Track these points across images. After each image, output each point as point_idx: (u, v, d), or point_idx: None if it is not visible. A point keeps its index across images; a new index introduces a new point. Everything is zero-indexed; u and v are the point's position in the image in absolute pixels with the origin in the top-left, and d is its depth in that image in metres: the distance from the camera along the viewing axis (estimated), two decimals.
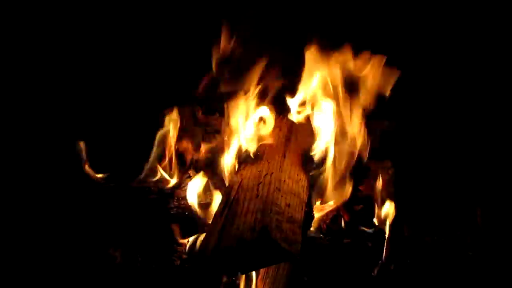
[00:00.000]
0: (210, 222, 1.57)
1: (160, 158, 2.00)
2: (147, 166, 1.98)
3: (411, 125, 2.15)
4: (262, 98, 1.87)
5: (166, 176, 1.98)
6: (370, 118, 1.84)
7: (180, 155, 2.03)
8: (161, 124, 2.04)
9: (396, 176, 1.91)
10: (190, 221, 1.78)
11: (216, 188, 1.81)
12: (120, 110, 2.31)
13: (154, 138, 2.00)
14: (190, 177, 1.95)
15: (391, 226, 1.73)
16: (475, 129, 2.17)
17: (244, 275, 1.49)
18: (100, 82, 2.36)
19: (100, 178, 1.99)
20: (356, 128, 1.79)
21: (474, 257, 1.71)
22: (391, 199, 1.78)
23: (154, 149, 1.99)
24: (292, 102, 1.89)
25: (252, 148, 1.73)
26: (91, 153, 2.02)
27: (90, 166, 2.00)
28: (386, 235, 1.71)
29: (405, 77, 1.84)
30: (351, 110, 1.80)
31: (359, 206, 1.82)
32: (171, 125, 2.02)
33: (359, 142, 1.79)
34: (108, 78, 2.36)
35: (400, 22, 2.23)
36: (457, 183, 1.99)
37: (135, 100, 2.33)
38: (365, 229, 1.77)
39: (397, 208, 1.75)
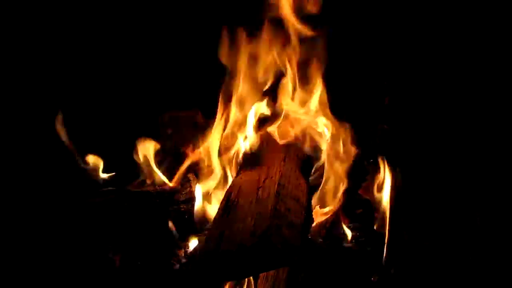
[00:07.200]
0: (209, 226, 1.57)
1: (160, 161, 2.00)
2: (146, 170, 1.98)
3: (410, 129, 2.15)
4: (262, 102, 1.88)
5: (165, 179, 1.98)
6: (368, 122, 1.85)
7: (179, 158, 2.03)
8: (160, 127, 2.04)
9: (396, 180, 1.91)
10: (189, 225, 1.78)
11: (216, 192, 1.81)
12: (120, 112, 2.32)
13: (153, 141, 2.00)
14: (189, 181, 1.95)
15: (390, 230, 1.73)
16: (473, 133, 2.17)
17: (243, 280, 1.49)
18: (100, 83, 2.36)
19: (99, 181, 1.99)
20: (352, 133, 1.80)
21: (473, 262, 1.71)
22: (391, 202, 1.78)
23: (154, 152, 1.99)
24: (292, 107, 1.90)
25: (252, 152, 1.73)
26: (91, 155, 2.02)
27: (90, 169, 2.00)
28: (386, 239, 1.71)
29: (403, 80, 1.85)
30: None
31: (359, 210, 1.82)
32: (171, 128, 2.02)
33: (355, 146, 1.80)
34: (107, 79, 2.36)
35: (396, 23, 2.24)
36: (456, 187, 1.99)
37: (135, 102, 2.33)
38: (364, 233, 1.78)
39: (396, 211, 1.75)
